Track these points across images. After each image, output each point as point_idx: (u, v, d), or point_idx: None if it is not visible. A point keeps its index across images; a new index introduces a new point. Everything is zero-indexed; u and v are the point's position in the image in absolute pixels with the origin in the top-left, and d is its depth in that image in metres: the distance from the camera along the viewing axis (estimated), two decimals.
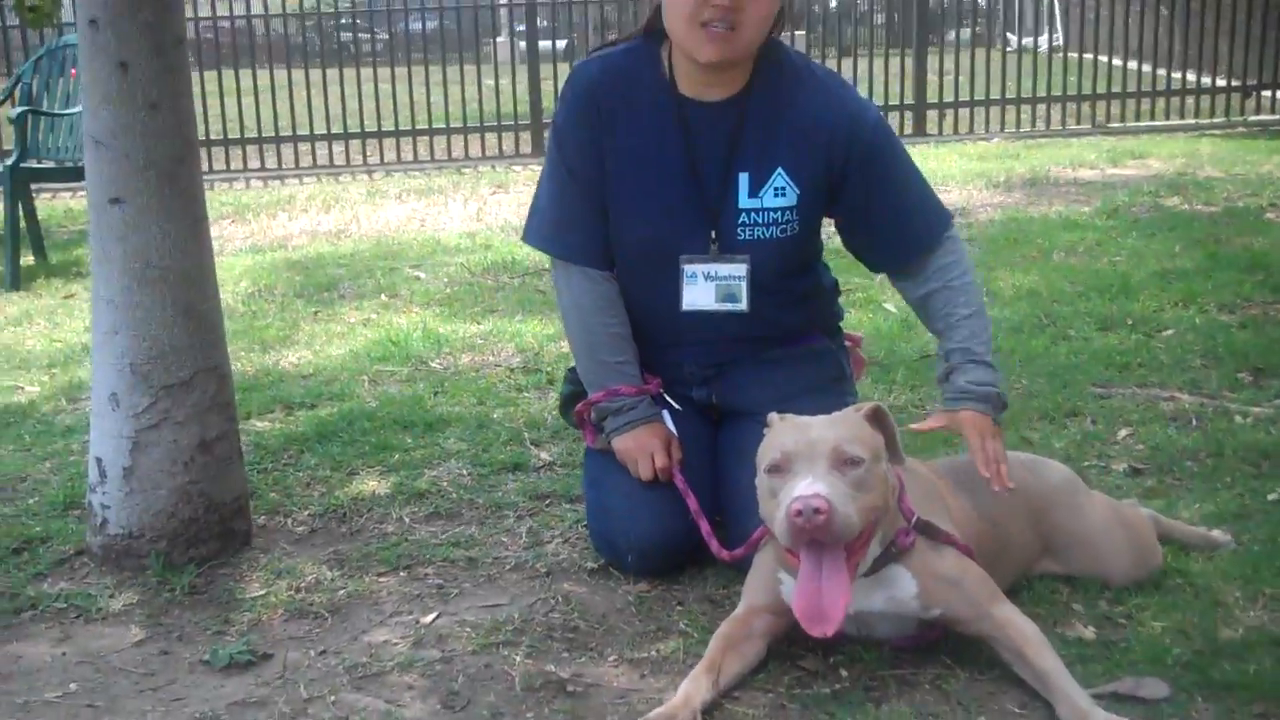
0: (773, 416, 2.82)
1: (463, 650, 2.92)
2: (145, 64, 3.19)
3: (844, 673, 2.78)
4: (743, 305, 3.27)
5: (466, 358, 5.36)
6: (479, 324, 5.92)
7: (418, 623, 3.07)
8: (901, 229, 3.28)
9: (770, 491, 2.66)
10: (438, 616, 3.09)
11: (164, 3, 3.21)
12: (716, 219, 3.24)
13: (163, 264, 3.25)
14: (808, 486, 2.54)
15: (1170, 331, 5.53)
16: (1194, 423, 4.40)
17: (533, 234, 3.42)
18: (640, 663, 2.87)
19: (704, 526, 3.15)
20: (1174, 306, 5.92)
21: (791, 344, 3.40)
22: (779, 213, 3.24)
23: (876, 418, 2.77)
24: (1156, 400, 4.65)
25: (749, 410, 3.27)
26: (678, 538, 3.22)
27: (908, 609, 2.77)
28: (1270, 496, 3.74)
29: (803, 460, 2.61)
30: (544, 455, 4.17)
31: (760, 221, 3.24)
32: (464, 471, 4.02)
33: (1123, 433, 4.35)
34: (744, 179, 3.24)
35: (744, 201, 3.24)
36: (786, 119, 3.23)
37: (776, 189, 3.22)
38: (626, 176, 3.28)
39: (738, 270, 3.25)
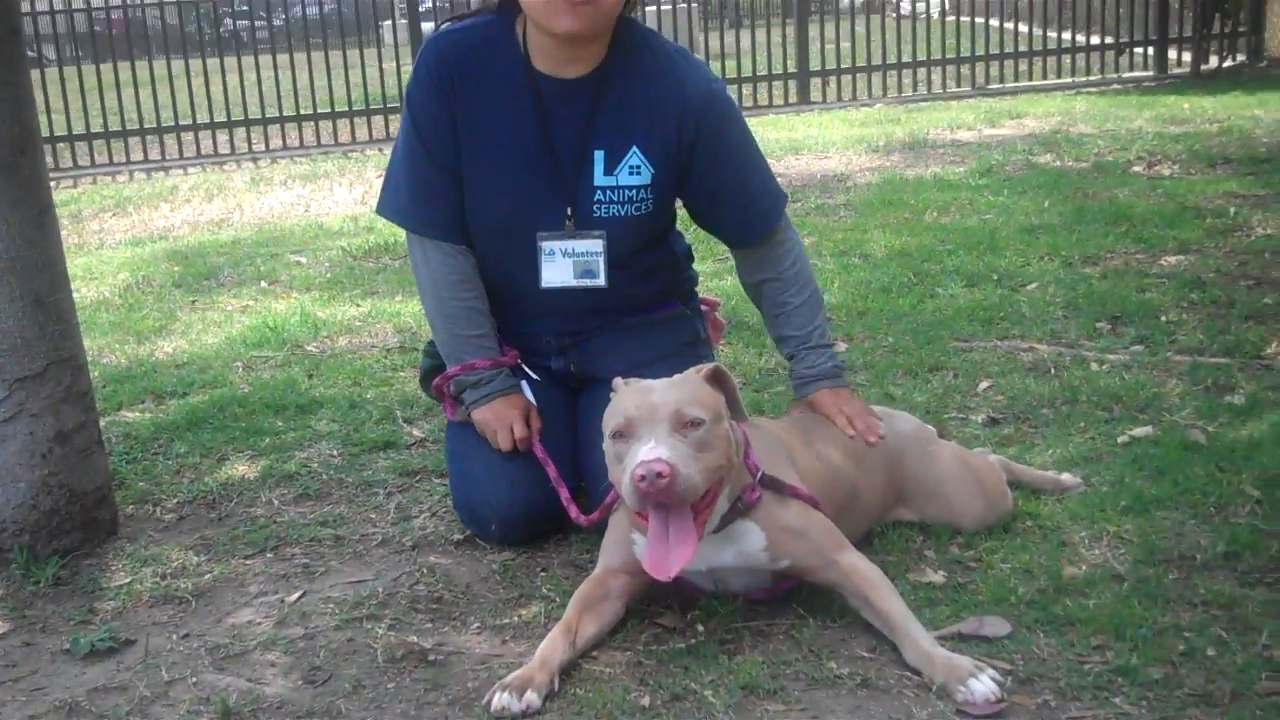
0: (618, 382, 2.87)
1: (326, 626, 2.95)
2: None
3: (700, 628, 2.85)
4: (601, 281, 3.32)
5: (343, 340, 5.36)
6: (358, 306, 5.92)
7: (282, 602, 3.09)
8: (744, 209, 3.39)
9: (616, 457, 2.72)
10: (302, 595, 3.12)
11: None
12: (573, 196, 3.28)
13: (8, 255, 3.22)
14: (650, 451, 2.60)
15: (1034, 285, 5.67)
16: (1051, 371, 4.52)
17: (387, 207, 3.42)
18: (502, 629, 2.92)
19: (563, 493, 3.20)
20: (1039, 260, 6.07)
21: (647, 312, 3.47)
22: (634, 191, 3.29)
23: (716, 378, 2.83)
24: (1016, 352, 4.77)
25: (607, 377, 3.31)
26: (539, 506, 3.27)
27: (757, 561, 2.84)
28: (1120, 439, 3.87)
29: (645, 424, 2.67)
30: (415, 432, 4.20)
31: (616, 199, 3.29)
32: (334, 452, 4.04)
33: (983, 385, 4.47)
34: (599, 156, 3.28)
35: (599, 179, 3.28)
36: (641, 96, 3.26)
37: (632, 167, 3.27)
38: (481, 152, 3.29)
39: (594, 247, 3.30)
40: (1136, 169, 8.28)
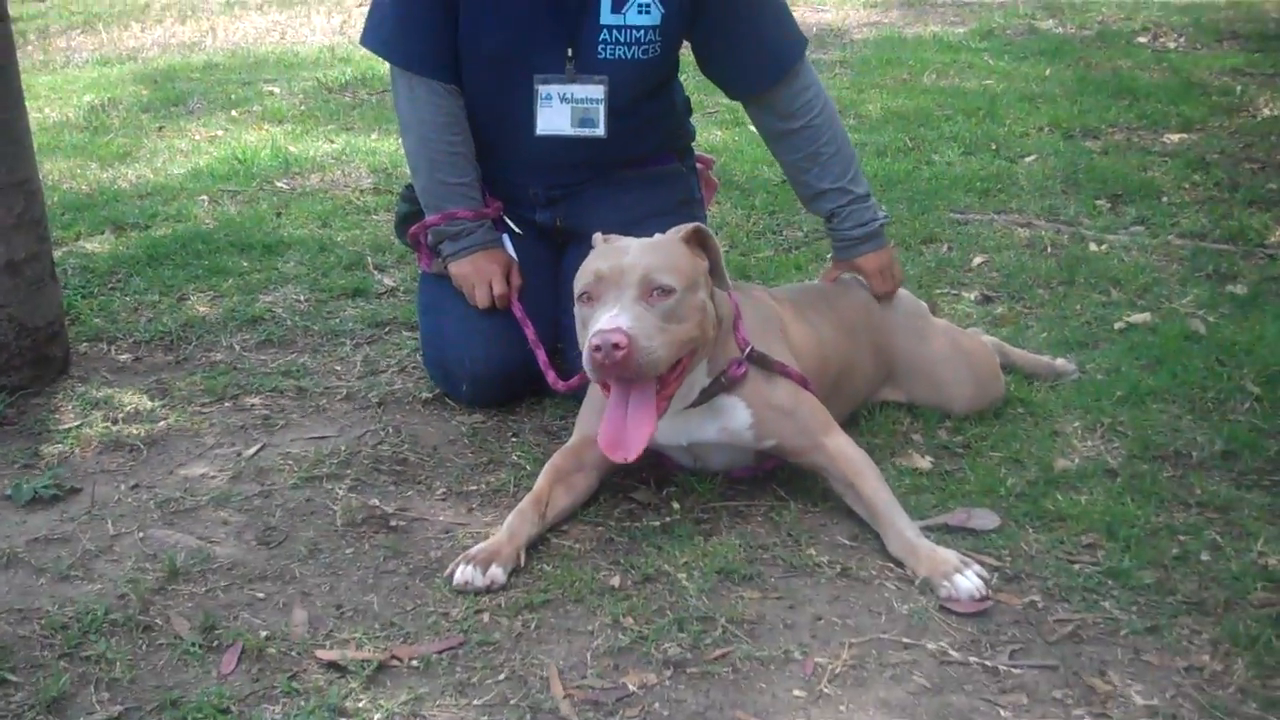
0: (597, 237, 2.70)
1: (283, 484, 2.81)
2: None
3: (676, 506, 2.73)
4: (600, 130, 3.11)
5: (315, 178, 5.15)
6: (331, 142, 5.68)
7: (239, 456, 2.94)
8: (759, 52, 3.12)
9: (582, 321, 2.55)
10: (260, 449, 2.98)
11: None
12: (576, 35, 3.05)
13: None
14: (609, 320, 2.42)
15: (1033, 157, 5.49)
16: (1048, 249, 4.37)
17: (371, 36, 3.17)
18: (469, 496, 2.79)
19: (540, 356, 3.05)
20: (1039, 131, 5.88)
21: (641, 166, 3.26)
22: (642, 31, 3.06)
23: (699, 240, 2.63)
24: (1013, 227, 4.61)
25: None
26: (514, 366, 3.12)
27: (742, 439, 2.71)
28: (1117, 325, 3.73)
29: (611, 288, 2.48)
30: (387, 280, 4.03)
31: (623, 40, 3.06)
32: (301, 297, 3.87)
33: (977, 260, 4.31)
34: None
35: (606, 18, 3.04)
36: None
37: (641, 5, 3.04)
38: None
39: (595, 93, 3.09)
40: (1141, 40, 8.04)
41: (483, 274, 3.13)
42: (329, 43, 8.31)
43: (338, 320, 3.70)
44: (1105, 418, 3.12)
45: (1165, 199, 4.88)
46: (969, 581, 2.39)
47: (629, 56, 3.07)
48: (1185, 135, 5.82)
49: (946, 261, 4.26)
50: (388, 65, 3.21)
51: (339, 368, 3.41)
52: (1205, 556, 2.53)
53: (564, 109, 3.10)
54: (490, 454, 2.97)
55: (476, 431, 3.07)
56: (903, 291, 3.33)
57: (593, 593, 2.40)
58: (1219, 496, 2.75)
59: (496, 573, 2.42)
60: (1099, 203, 4.86)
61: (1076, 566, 2.50)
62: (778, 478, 2.83)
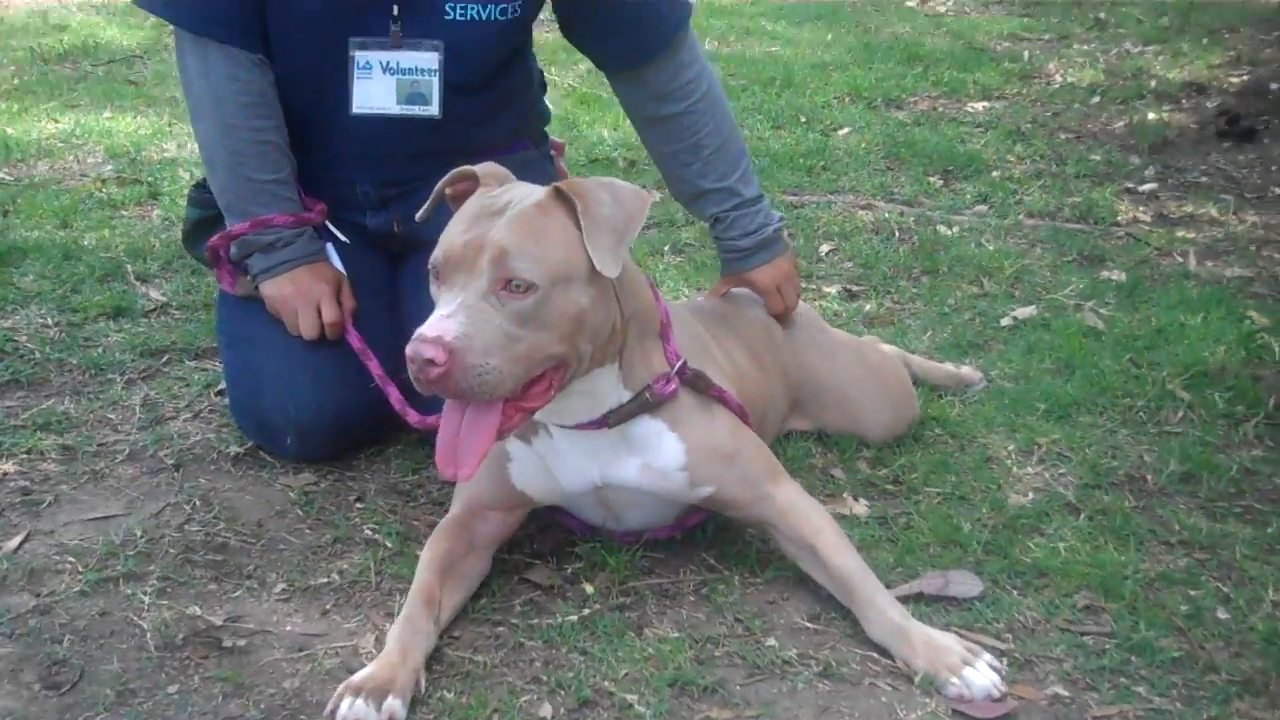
0: (486, 168, 2.09)
1: (66, 591, 2.10)
2: None
3: (588, 588, 2.16)
4: (433, 109, 2.50)
5: (43, 166, 4.32)
6: (57, 122, 4.81)
7: None
8: (636, 16, 2.55)
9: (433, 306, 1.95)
10: (24, 540, 2.24)
11: None
12: None
13: None
14: (436, 322, 1.84)
15: (846, 130, 5.12)
16: (897, 234, 3.99)
17: None
18: (318, 592, 2.15)
19: (393, 393, 2.40)
20: (840, 102, 5.53)
21: (489, 156, 2.64)
22: None
23: (569, 206, 1.96)
24: (853, 209, 4.22)
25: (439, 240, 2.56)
26: (351, 411, 2.49)
27: (670, 485, 2.13)
28: (1004, 321, 3.36)
29: (459, 271, 1.89)
30: (154, 294, 3.29)
31: None
32: (48, 320, 3.09)
33: (825, 248, 3.90)
34: None
35: None
36: None
37: None
38: None
39: (427, 61, 2.47)
40: (910, 4, 7.83)
41: (307, 296, 2.48)
42: (38, 5, 7.26)
43: (99, 350, 2.96)
44: (1040, 438, 2.74)
45: (996, 173, 4.61)
46: (983, 676, 1.93)
47: (483, 16, 2.47)
48: (988, 104, 5.60)
49: (794, 251, 3.81)
50: (172, 32, 2.51)
51: (112, 415, 2.69)
52: (1222, 615, 2.16)
53: (387, 81, 2.49)
54: (333, 528, 2.33)
55: (309, 497, 2.42)
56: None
57: None
58: (1200, 532, 2.40)
59: (395, 707, 1.81)
60: (931, 179, 4.53)
61: (1087, 640, 2.07)
62: (699, 539, 2.31)
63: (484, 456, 1.90)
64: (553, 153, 2.88)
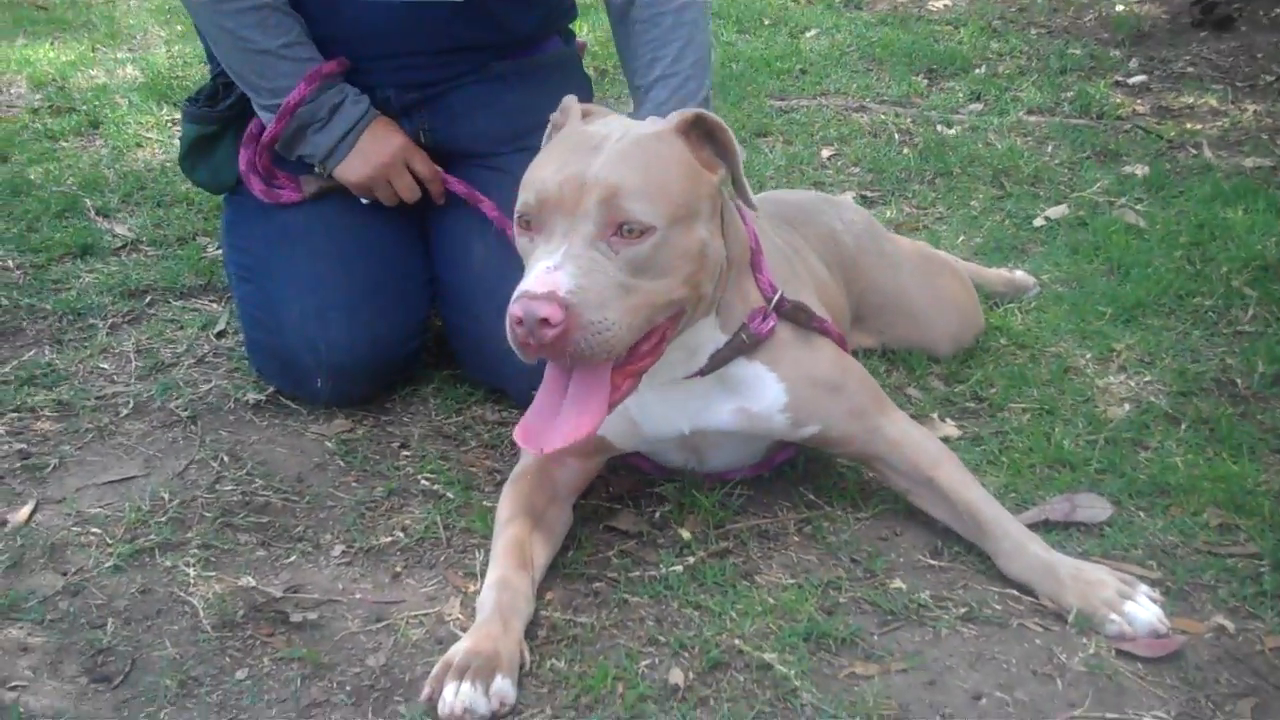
0: (570, 105, 1.82)
1: (95, 568, 1.84)
2: None
3: (684, 533, 1.94)
4: None
5: None
6: None
7: (3, 528, 1.93)
8: None
9: (522, 255, 1.71)
10: (35, 510, 1.97)
11: None
12: None
13: None
14: (544, 275, 1.58)
15: (813, 32, 4.90)
16: (896, 136, 3.78)
17: None
18: (384, 552, 1.90)
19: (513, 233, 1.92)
20: (796, 3, 5.29)
21: (525, 52, 2.36)
22: None
23: (705, 133, 1.75)
24: (846, 112, 3.99)
25: (474, 151, 2.29)
26: (389, 346, 2.22)
27: (770, 426, 1.91)
28: (1037, 222, 3.18)
29: (558, 216, 1.63)
30: (120, 230, 2.98)
31: None
32: (8, 262, 2.78)
33: (826, 152, 3.68)
34: None
35: None
36: None
37: None
38: None
39: None
40: None
41: (393, 156, 2.20)
42: None
43: (73, 292, 2.66)
44: (1113, 344, 2.55)
45: (980, 70, 4.41)
46: (1145, 610, 1.74)
47: None
48: (950, 1, 5.38)
49: (795, 158, 3.61)
50: None
51: (105, 365, 2.39)
52: None
53: None
54: (384, 480, 2.08)
55: (348, 446, 2.16)
56: (853, 203, 2.64)
57: (647, 699, 1.61)
58: None
59: (503, 687, 1.58)
60: (916, 79, 4.32)
61: (1235, 563, 1.90)
62: (789, 474, 2.10)
63: (587, 436, 1.65)
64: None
